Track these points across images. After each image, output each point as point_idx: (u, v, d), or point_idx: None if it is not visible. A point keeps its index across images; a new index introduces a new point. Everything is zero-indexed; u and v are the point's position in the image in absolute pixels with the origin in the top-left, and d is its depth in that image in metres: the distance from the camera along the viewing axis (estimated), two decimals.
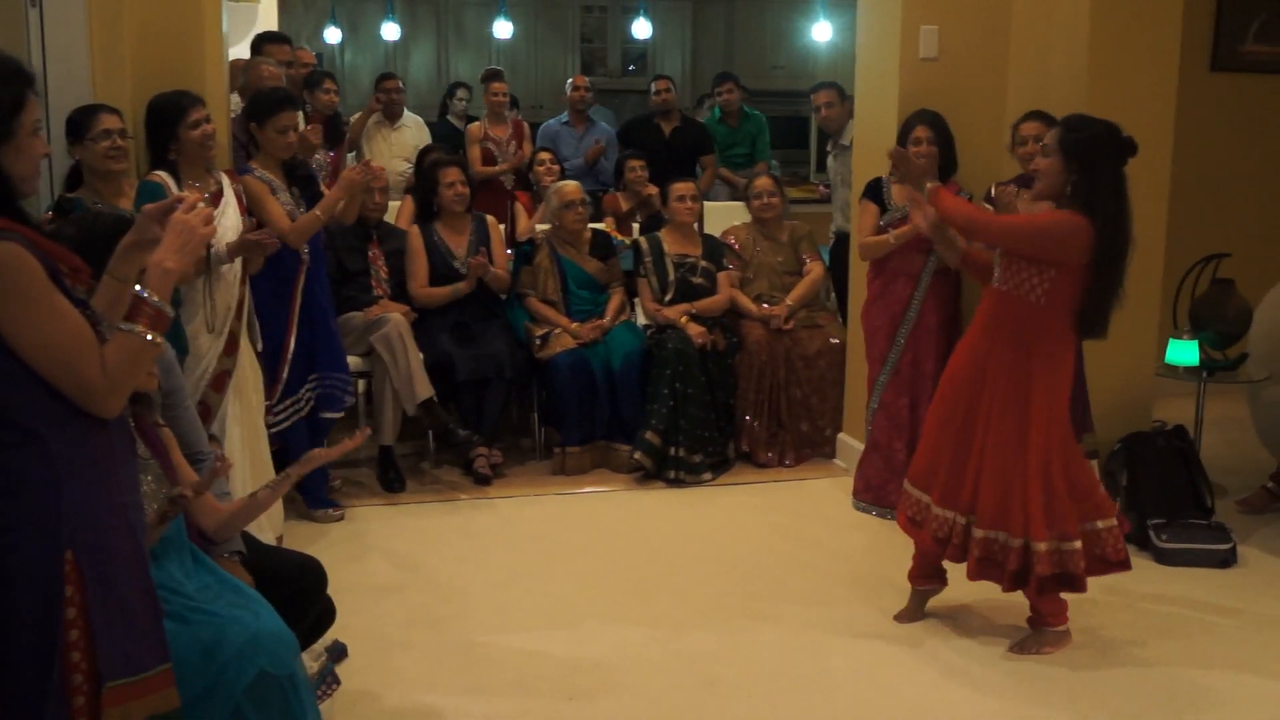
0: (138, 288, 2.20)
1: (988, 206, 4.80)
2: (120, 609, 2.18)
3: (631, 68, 12.87)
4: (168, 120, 4.33)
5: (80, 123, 4.07)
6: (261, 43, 5.80)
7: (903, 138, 5.02)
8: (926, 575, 4.12)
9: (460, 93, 8.88)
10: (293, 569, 3.18)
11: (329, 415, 5.05)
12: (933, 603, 4.16)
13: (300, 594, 3.11)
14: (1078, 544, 3.77)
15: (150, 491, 2.74)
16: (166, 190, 4.24)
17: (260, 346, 4.72)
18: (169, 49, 4.68)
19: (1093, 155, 3.64)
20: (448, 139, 8.05)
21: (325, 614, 3.26)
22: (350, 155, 7.52)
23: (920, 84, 5.30)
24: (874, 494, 5.23)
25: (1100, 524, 3.85)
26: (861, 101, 5.75)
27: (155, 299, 2.20)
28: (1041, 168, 3.72)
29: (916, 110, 5.09)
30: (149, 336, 2.19)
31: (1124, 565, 3.89)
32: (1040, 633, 3.93)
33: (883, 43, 5.51)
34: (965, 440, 3.84)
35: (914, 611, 4.14)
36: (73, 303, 2.15)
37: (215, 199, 4.46)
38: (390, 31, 11.39)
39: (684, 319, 5.84)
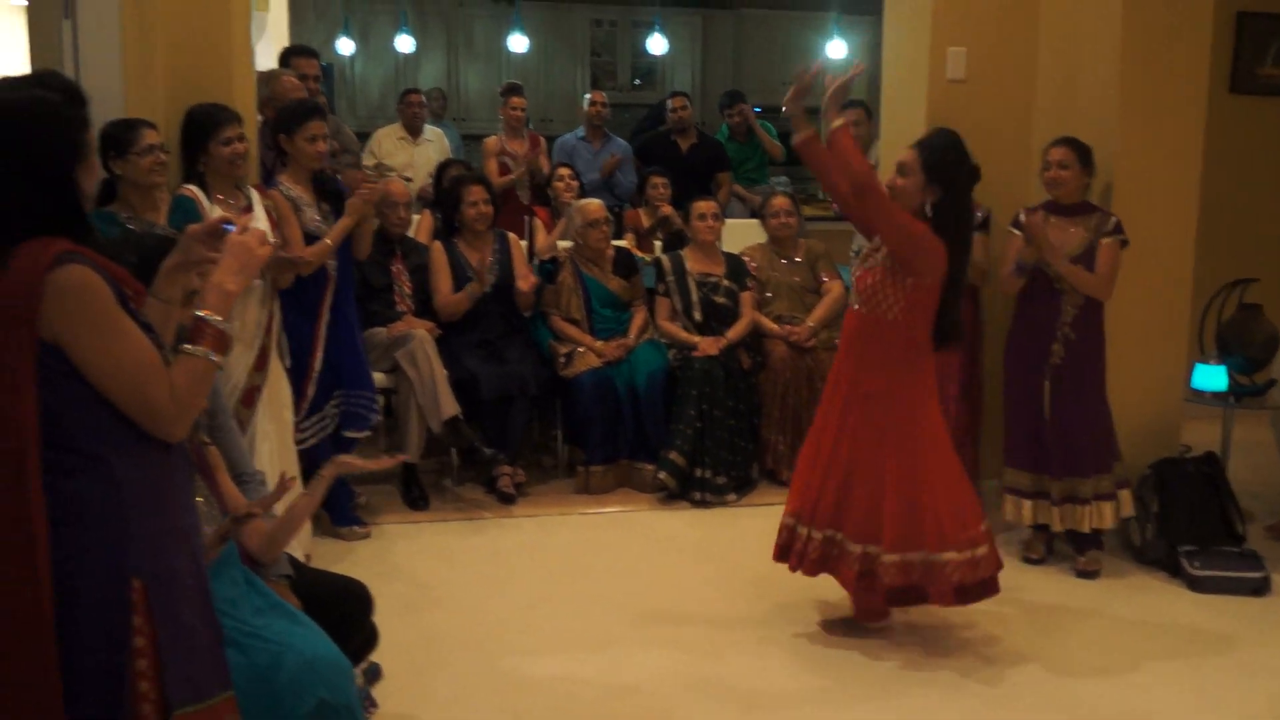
0: (201, 311, 2.17)
1: (1016, 232, 4.77)
2: (185, 635, 2.15)
3: (637, 82, 12.85)
4: (201, 134, 4.31)
5: (122, 138, 4.02)
6: (289, 56, 5.78)
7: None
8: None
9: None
10: (339, 592, 3.14)
11: (353, 434, 5.02)
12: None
13: (346, 619, 3.07)
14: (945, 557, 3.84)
15: (202, 513, 2.71)
16: (198, 205, 4.22)
17: (288, 363, 4.69)
18: (199, 61, 4.60)
19: (952, 178, 3.79)
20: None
21: (369, 639, 3.23)
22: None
23: (947, 106, 5.28)
24: None
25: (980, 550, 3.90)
26: (887, 123, 5.73)
27: (217, 320, 2.18)
28: (899, 186, 3.80)
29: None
30: (213, 358, 2.17)
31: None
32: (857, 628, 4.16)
33: (910, 64, 5.49)
34: (834, 460, 3.96)
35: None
36: (139, 326, 2.12)
37: (244, 214, 4.43)
38: (404, 44, 11.35)
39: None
